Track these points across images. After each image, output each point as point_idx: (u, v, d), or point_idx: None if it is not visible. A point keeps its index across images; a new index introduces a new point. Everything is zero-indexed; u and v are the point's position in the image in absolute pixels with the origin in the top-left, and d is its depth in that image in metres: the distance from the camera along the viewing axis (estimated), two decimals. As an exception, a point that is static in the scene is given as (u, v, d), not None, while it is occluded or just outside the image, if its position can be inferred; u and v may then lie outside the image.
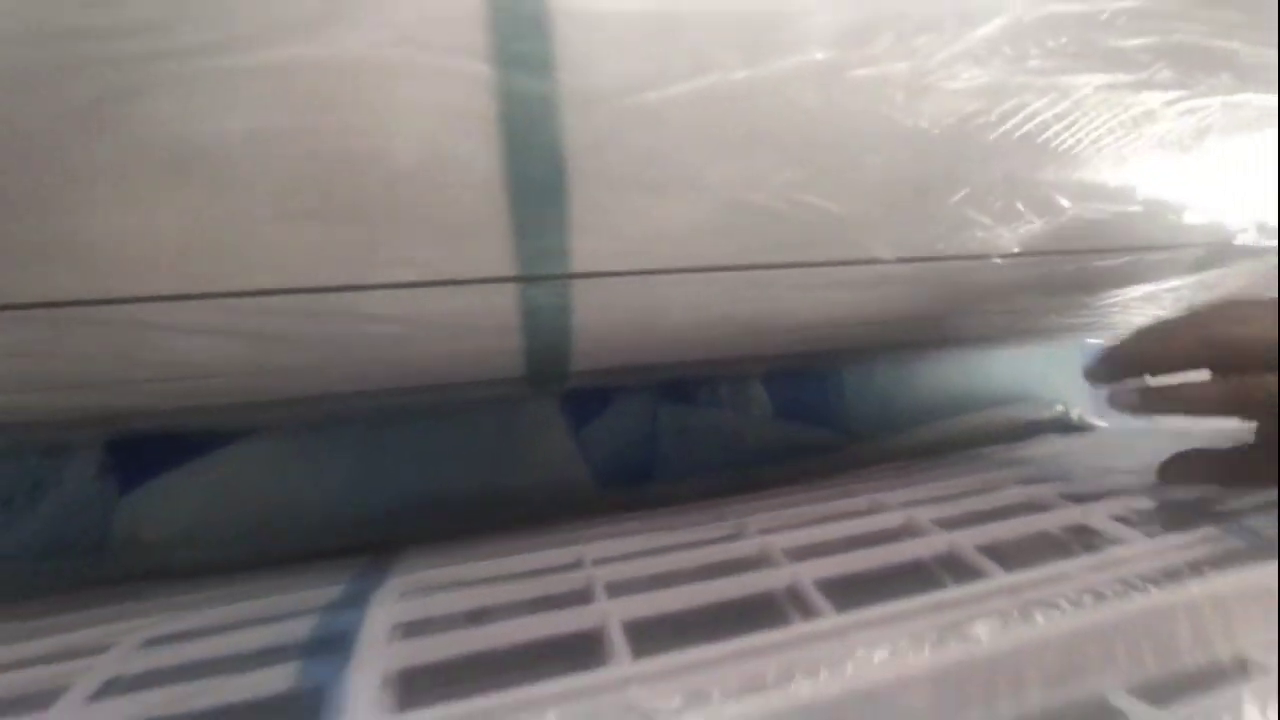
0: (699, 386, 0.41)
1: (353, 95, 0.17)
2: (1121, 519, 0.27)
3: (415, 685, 0.19)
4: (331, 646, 0.21)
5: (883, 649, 0.19)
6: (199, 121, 0.16)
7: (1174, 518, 0.27)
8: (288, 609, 0.23)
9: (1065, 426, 0.47)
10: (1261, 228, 0.29)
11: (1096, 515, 0.27)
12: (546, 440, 0.38)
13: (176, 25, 0.15)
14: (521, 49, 0.17)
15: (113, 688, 0.20)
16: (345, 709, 0.17)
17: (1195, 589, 0.22)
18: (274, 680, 0.19)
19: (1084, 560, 0.23)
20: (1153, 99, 0.23)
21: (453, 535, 0.31)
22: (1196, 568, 0.23)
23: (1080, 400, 0.49)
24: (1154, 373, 0.27)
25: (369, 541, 0.31)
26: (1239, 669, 0.21)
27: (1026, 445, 0.46)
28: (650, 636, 0.20)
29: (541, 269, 0.20)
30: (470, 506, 0.35)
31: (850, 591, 0.22)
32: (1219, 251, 0.28)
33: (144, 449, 0.33)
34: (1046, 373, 0.47)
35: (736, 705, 0.17)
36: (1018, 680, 0.20)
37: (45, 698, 0.19)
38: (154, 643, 0.22)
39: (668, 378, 0.39)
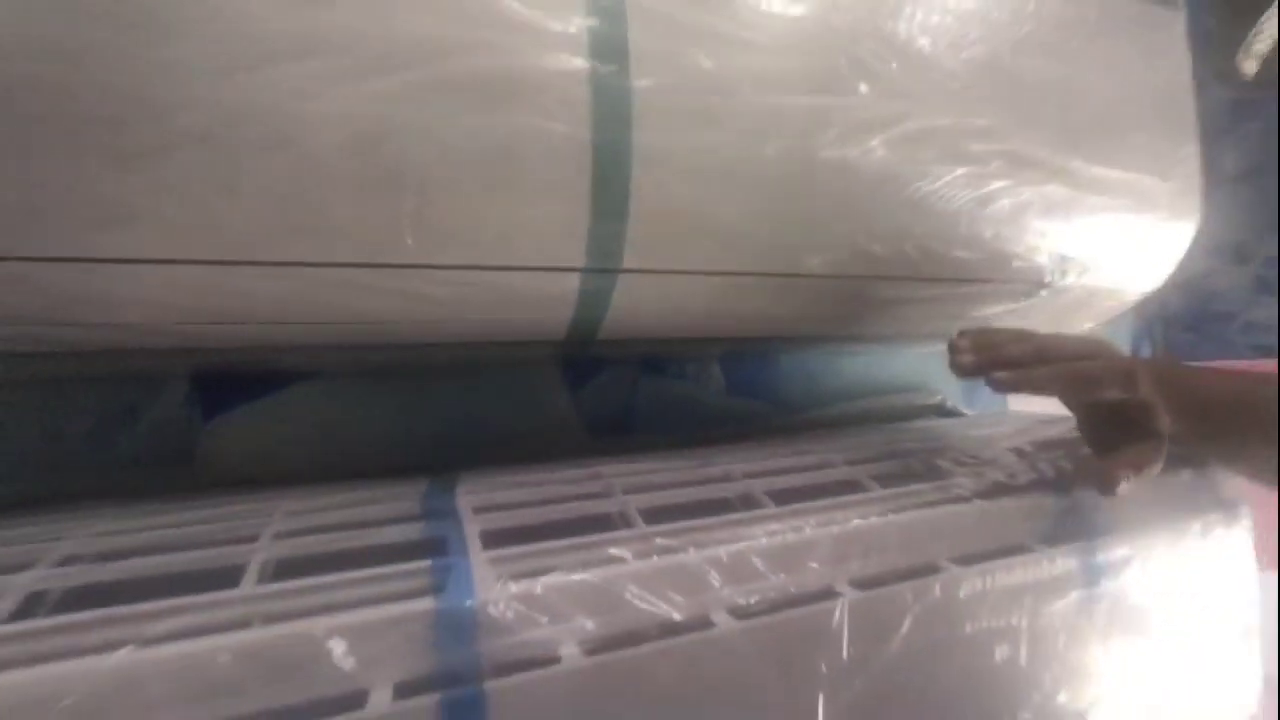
0: (670, 363, 0.51)
1: (511, 161, 0.26)
2: (958, 463, 0.39)
3: (500, 542, 0.28)
4: (438, 517, 0.29)
5: (804, 524, 0.30)
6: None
7: (988, 463, 0.40)
8: (389, 498, 0.32)
9: (943, 411, 0.62)
10: (1063, 273, 0.42)
11: (944, 460, 0.40)
12: (550, 397, 0.47)
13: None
14: (612, 131, 0.27)
15: (281, 534, 0.28)
16: (469, 546, 0.27)
17: (992, 504, 0.35)
18: (408, 532, 0.28)
19: (931, 483, 0.36)
20: (992, 184, 0.36)
21: (480, 465, 0.40)
22: (985, 493, 0.36)
23: (954, 393, 0.64)
24: (1003, 368, 0.38)
25: (413, 467, 0.40)
26: (1017, 549, 0.34)
27: (914, 423, 0.59)
28: (655, 518, 0.31)
29: (601, 265, 0.30)
30: (491, 443, 0.44)
31: (783, 498, 0.34)
32: (1034, 287, 0.42)
33: (225, 384, 0.40)
34: (931, 370, 0.61)
35: (716, 550, 0.28)
36: (883, 547, 0.31)
37: (247, 535, 0.27)
38: (296, 513, 0.30)
39: (649, 353, 0.49)
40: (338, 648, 0.22)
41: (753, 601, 0.28)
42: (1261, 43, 0.61)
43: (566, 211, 0.28)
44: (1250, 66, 0.62)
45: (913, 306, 0.42)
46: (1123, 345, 0.80)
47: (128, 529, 0.27)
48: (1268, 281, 0.75)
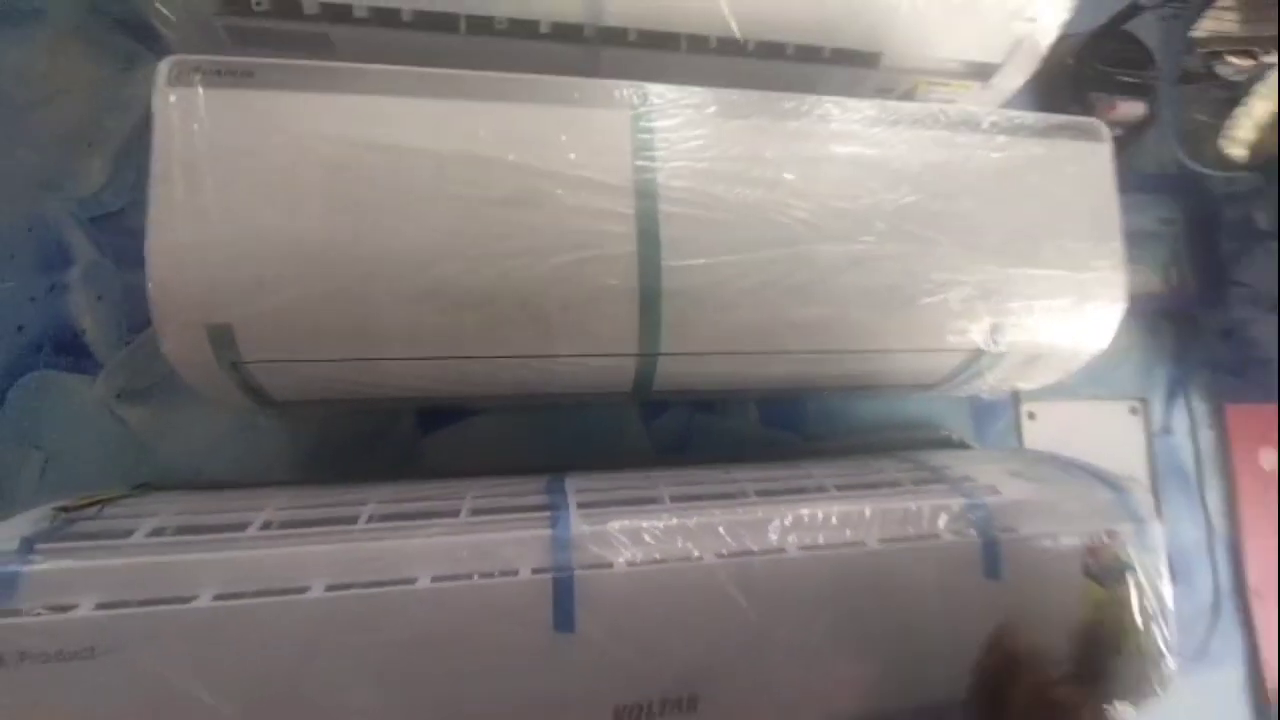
0: (717, 405, 0.72)
1: (595, 297, 0.49)
2: (915, 480, 0.56)
3: (587, 507, 0.50)
4: (555, 493, 0.52)
5: (770, 509, 0.49)
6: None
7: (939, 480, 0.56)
8: (527, 482, 0.55)
9: (949, 444, 0.76)
10: (997, 342, 0.57)
11: (942, 469, 0.56)
12: (630, 427, 0.69)
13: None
14: (650, 279, 0.49)
15: (475, 497, 0.52)
16: (570, 507, 0.49)
17: (905, 503, 0.51)
18: (538, 499, 0.51)
19: (881, 490, 0.53)
20: (938, 283, 0.53)
21: (581, 469, 0.62)
22: (913, 494, 0.52)
23: (964, 429, 0.77)
24: None
25: (540, 467, 0.63)
26: (927, 536, 0.50)
27: (922, 453, 0.74)
28: (678, 500, 0.51)
29: (647, 350, 0.52)
30: (591, 455, 0.67)
31: (767, 494, 0.52)
32: (976, 353, 0.57)
33: (436, 415, 0.66)
34: (939, 411, 0.76)
35: (711, 518, 0.48)
36: (818, 527, 0.49)
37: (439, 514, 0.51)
38: (484, 488, 0.54)
39: (698, 399, 0.70)
40: (506, 547, 0.44)
41: (726, 551, 0.47)
42: (1243, 130, 0.70)
43: (625, 323, 0.50)
44: (1238, 151, 0.71)
45: (883, 367, 0.60)
46: (1160, 393, 0.87)
47: (402, 491, 0.53)
48: (1302, 331, 0.80)
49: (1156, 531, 0.54)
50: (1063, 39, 0.86)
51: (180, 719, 0.39)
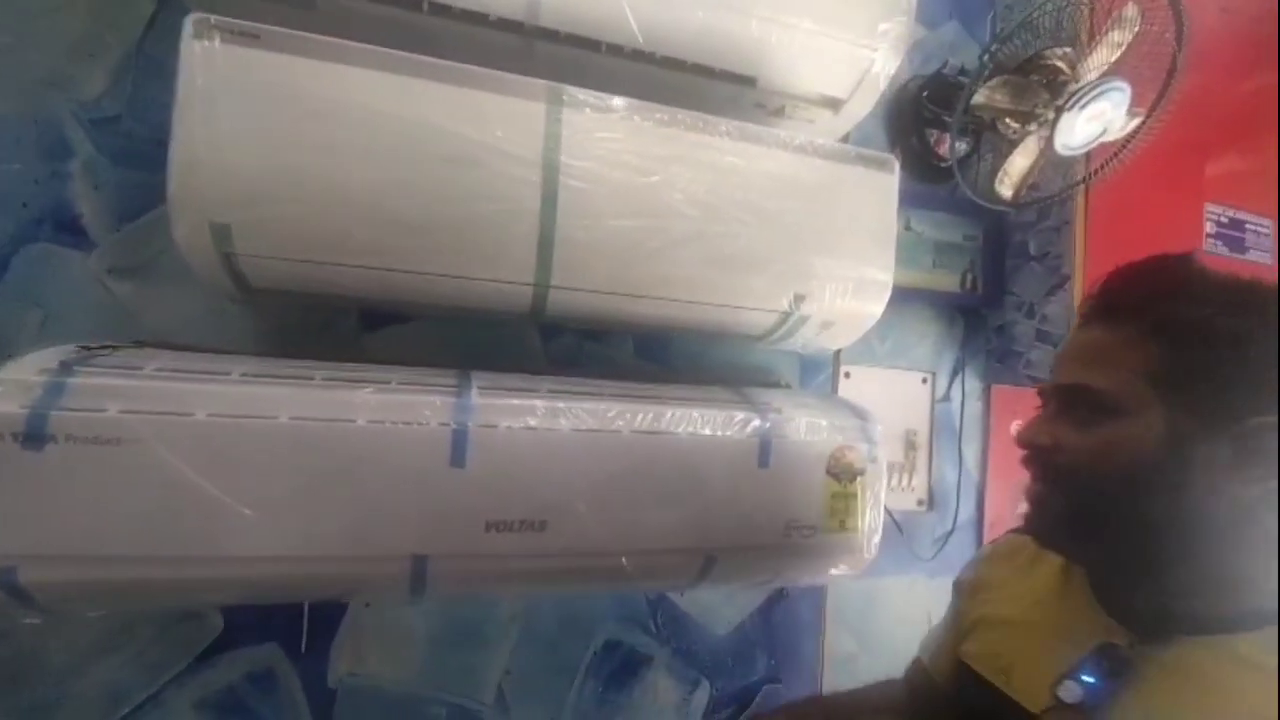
0: (602, 335, 0.92)
1: (507, 230, 0.67)
2: (732, 401, 0.78)
3: (483, 388, 0.69)
4: (464, 379, 0.71)
5: (617, 403, 0.70)
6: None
7: (746, 404, 0.78)
8: (446, 375, 0.74)
9: (774, 384, 0.99)
10: (799, 306, 0.80)
11: (753, 398, 0.79)
12: (531, 345, 0.89)
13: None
14: (547, 224, 0.68)
15: (403, 376, 0.70)
16: (473, 389, 0.68)
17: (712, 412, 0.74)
18: (449, 381, 0.70)
19: (707, 407, 0.75)
20: (754, 261, 0.74)
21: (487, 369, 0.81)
22: (718, 404, 0.74)
23: (790, 376, 1.01)
24: None
25: (458, 367, 0.82)
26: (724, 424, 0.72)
27: (753, 388, 0.97)
28: (553, 394, 0.71)
29: (541, 283, 0.71)
30: (496, 363, 0.86)
31: (616, 397, 0.73)
32: (785, 314, 0.80)
33: (377, 316, 0.83)
34: (775, 361, 0.99)
35: (581, 405, 0.68)
36: (654, 415, 0.71)
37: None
38: (412, 374, 0.72)
39: (588, 328, 0.90)
40: (421, 406, 0.63)
41: (579, 428, 0.68)
42: (1010, 176, 0.94)
43: (525, 259, 0.69)
44: (1006, 192, 0.95)
45: (719, 318, 0.81)
46: (946, 369, 1.14)
47: (347, 367, 0.70)
48: (1044, 332, 1.08)
49: (880, 452, 0.79)
50: (910, 80, 1.09)
51: (177, 494, 0.56)
